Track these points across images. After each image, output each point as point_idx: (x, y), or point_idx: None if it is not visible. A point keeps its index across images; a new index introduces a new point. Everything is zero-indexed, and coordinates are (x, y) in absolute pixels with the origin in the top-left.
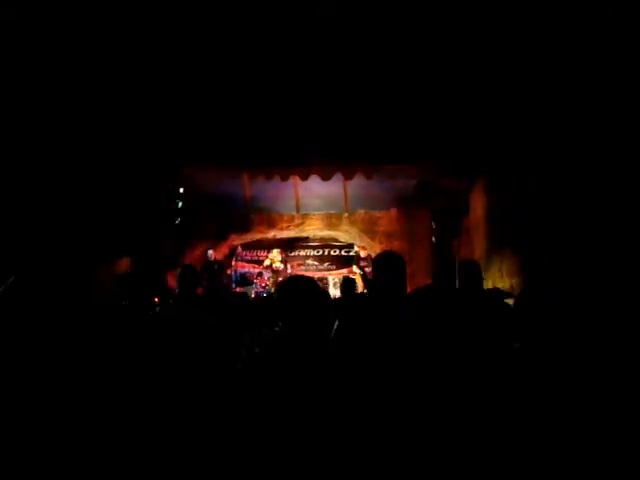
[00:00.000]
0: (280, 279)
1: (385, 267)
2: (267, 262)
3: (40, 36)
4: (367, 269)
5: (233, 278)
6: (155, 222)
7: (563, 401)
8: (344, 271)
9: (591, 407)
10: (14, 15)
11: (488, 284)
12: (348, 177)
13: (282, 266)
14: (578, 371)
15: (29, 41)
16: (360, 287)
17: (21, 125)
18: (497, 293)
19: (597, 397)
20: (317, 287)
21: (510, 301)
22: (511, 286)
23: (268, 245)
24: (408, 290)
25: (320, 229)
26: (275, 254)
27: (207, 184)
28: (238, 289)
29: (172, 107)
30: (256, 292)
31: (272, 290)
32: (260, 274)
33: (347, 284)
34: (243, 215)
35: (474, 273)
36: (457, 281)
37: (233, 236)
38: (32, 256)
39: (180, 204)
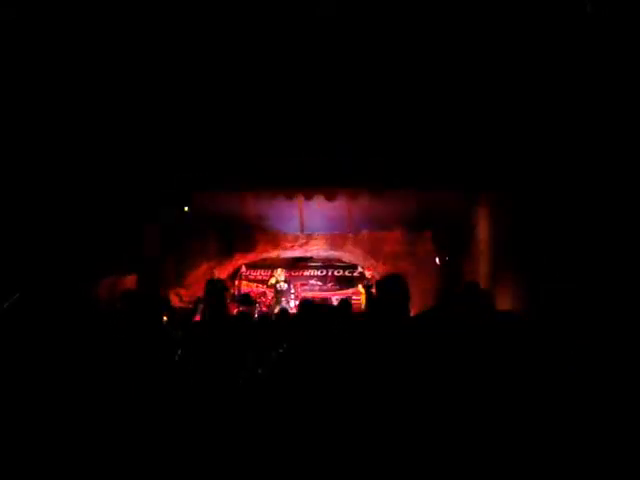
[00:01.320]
0: (284, 299)
1: (388, 290)
2: (271, 282)
3: (44, 38)
4: (372, 289)
5: (236, 297)
6: (159, 240)
7: (563, 401)
8: (348, 291)
9: (591, 407)
10: (14, 15)
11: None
12: (353, 198)
13: (286, 286)
14: (578, 371)
15: (30, 41)
16: (363, 306)
17: (24, 135)
18: (502, 314)
19: (597, 397)
20: (334, 310)
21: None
22: (516, 306)
23: (272, 265)
24: (412, 313)
25: (324, 249)
26: (279, 274)
27: (212, 203)
28: (241, 308)
29: (177, 127)
30: (259, 312)
31: (275, 310)
32: (264, 294)
33: (344, 307)
34: (247, 235)
35: (475, 294)
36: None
37: (237, 255)
38: (36, 271)
39: (185, 223)
